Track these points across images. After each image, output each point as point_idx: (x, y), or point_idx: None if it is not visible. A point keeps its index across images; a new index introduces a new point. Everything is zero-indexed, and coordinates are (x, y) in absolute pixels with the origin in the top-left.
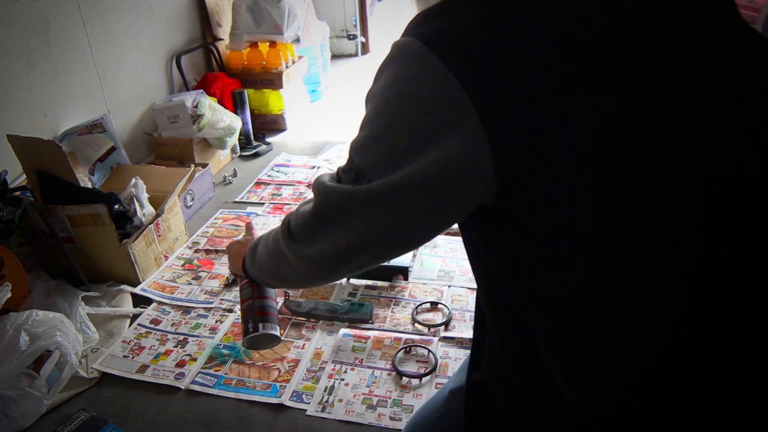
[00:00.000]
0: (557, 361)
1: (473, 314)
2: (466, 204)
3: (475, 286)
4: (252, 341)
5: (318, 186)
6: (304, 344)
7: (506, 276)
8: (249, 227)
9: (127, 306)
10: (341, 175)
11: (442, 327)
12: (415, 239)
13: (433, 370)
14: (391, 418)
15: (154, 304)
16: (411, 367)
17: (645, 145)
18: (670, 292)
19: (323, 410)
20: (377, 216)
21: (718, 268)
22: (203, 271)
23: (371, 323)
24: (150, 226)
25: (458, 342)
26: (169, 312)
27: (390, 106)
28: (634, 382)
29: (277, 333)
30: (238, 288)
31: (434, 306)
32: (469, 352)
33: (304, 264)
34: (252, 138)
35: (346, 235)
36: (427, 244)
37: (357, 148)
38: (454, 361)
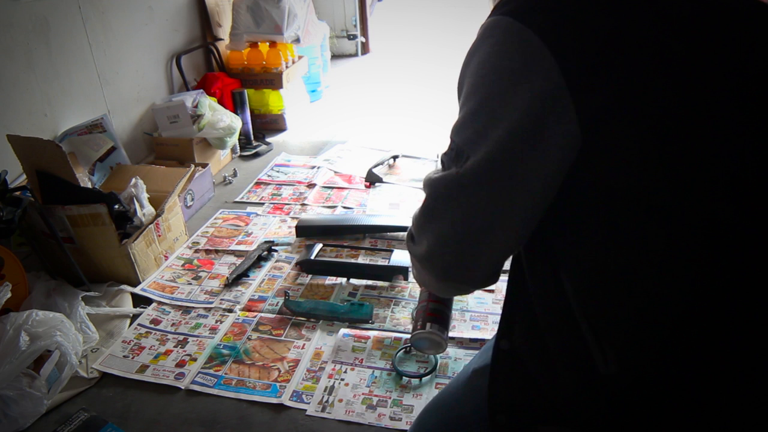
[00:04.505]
0: (589, 321)
1: (473, 314)
2: (554, 167)
3: None
4: (417, 339)
5: (425, 183)
6: (304, 344)
7: (559, 236)
8: None
9: (127, 306)
10: (443, 159)
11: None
12: (516, 217)
13: (433, 370)
14: (391, 418)
15: (154, 304)
16: (411, 367)
17: (693, 126)
18: (701, 252)
19: (323, 410)
20: (477, 194)
21: (750, 232)
22: (203, 271)
23: (371, 323)
24: (150, 226)
25: (458, 342)
26: (169, 312)
27: (485, 81)
28: (662, 347)
29: (442, 339)
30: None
31: None
32: (468, 351)
33: (421, 264)
34: (252, 138)
35: (448, 224)
36: None
37: (456, 128)
38: (454, 361)
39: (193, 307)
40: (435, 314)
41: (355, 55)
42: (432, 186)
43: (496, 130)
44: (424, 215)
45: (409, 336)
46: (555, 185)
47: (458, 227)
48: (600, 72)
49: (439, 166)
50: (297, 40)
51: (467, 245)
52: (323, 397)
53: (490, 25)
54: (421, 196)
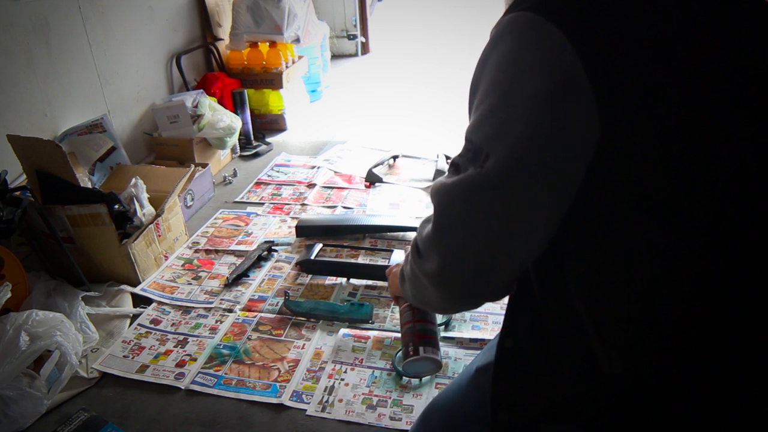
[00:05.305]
0: (592, 319)
1: (473, 314)
2: (577, 161)
3: None
4: (411, 365)
5: (435, 190)
6: (304, 344)
7: (562, 234)
8: None
9: (127, 306)
10: (458, 161)
11: (442, 327)
12: (541, 219)
13: None
14: (391, 418)
15: (154, 304)
16: None
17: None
18: (701, 251)
19: (323, 410)
20: (499, 196)
21: (750, 231)
22: (203, 271)
23: (371, 323)
24: (150, 226)
25: (458, 342)
26: (169, 312)
27: (505, 76)
28: (663, 346)
29: (438, 358)
30: (399, 311)
31: None
32: (468, 351)
33: (431, 282)
34: (252, 138)
35: (465, 234)
36: None
37: (473, 126)
38: (455, 361)
39: (193, 307)
40: (424, 335)
41: (355, 55)
42: (445, 192)
43: (518, 125)
44: (435, 226)
45: (397, 360)
46: (577, 181)
47: (479, 236)
48: (618, 65)
49: (442, 167)
50: (297, 40)
51: (488, 255)
52: (323, 397)
53: (508, 21)
54: (420, 195)
